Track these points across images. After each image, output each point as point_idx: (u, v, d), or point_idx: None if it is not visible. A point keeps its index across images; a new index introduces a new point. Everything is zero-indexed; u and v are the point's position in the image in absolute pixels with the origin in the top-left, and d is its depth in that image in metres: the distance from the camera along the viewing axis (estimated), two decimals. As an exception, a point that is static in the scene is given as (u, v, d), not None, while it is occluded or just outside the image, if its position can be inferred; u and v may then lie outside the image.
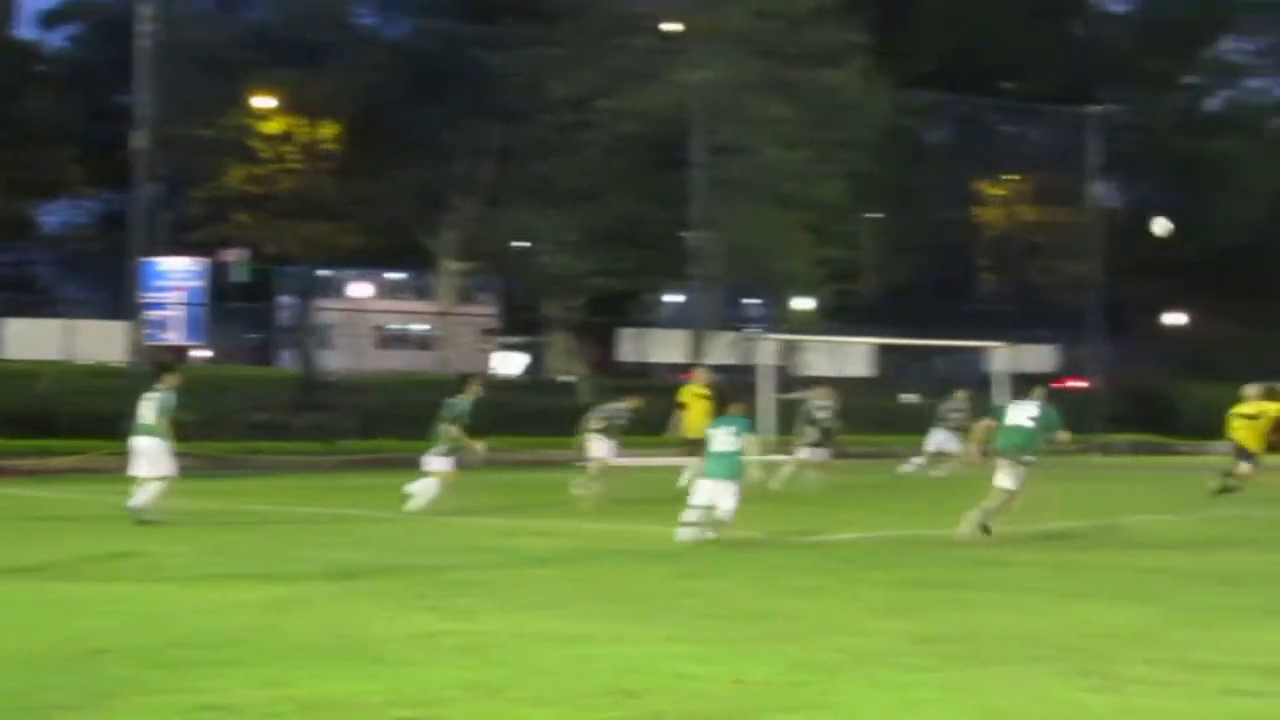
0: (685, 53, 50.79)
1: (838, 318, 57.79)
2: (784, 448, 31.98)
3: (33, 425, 39.15)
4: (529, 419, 43.77)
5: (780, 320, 61.38)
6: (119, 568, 16.57)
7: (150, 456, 21.68)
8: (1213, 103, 75.96)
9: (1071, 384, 58.70)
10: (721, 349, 52.54)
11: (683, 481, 26.87)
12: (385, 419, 42.97)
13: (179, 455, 22.25)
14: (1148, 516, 24.44)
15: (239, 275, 59.10)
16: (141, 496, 21.58)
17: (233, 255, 58.75)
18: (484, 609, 13.35)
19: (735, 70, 50.06)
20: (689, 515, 19.30)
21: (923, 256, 63.14)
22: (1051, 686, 9.96)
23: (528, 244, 56.98)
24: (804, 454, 31.53)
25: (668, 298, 67.36)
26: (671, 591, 14.86)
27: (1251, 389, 29.02)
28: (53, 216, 67.35)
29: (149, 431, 21.73)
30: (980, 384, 41.61)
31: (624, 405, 27.88)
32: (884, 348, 58.44)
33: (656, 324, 65.84)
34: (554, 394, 51.78)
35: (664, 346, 61.58)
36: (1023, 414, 20.42)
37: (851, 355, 57.39)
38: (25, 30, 64.81)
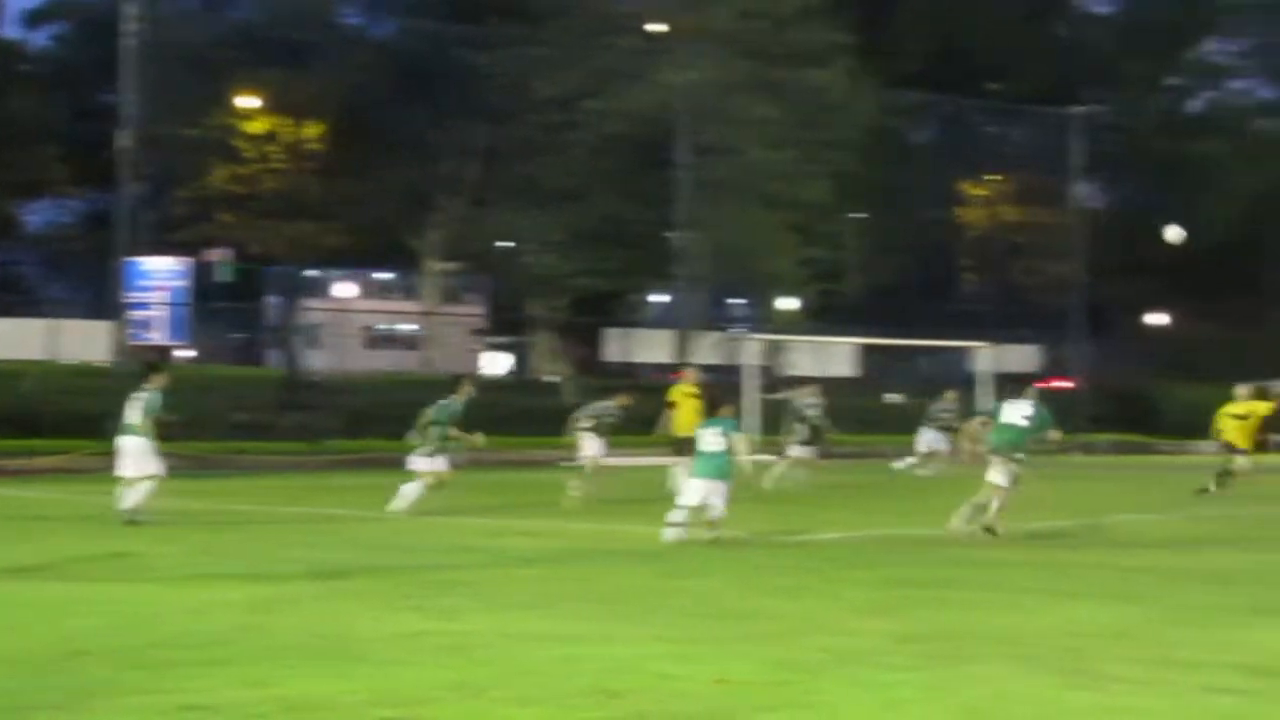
0: (670, 53, 50.84)
1: (822, 318, 57.87)
2: (770, 447, 32.01)
3: (17, 425, 39.08)
4: (514, 419, 43.74)
5: (765, 320, 61.45)
6: (103, 568, 16.56)
7: (135, 456, 21.65)
8: (1195, 104, 76.18)
9: (1057, 384, 58.80)
10: (706, 349, 52.58)
11: (670, 483, 26.92)
12: (370, 419, 42.94)
13: (164, 455, 22.21)
14: (1130, 516, 24.50)
15: (223, 275, 58.97)
16: (132, 497, 21.56)
17: (217, 255, 58.64)
18: (469, 609, 13.37)
19: (720, 70, 50.12)
20: (675, 515, 19.33)
21: (907, 256, 63.26)
22: (1034, 685, 9.99)
23: (513, 244, 56.98)
24: (795, 452, 31.63)
25: (653, 298, 67.38)
26: (655, 591, 14.89)
27: (1242, 389, 29.23)
28: (37, 216, 67.32)
29: (134, 431, 21.72)
30: (964, 384, 41.74)
31: (613, 403, 27.88)
32: (868, 348, 58.54)
33: (641, 324, 65.84)
34: (539, 394, 51.79)
35: (649, 346, 61.59)
36: (1017, 413, 20.56)
37: (836, 355, 57.46)
38: (9, 29, 64.66)
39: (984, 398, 39.85)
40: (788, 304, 62.01)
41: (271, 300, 65.89)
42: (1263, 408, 29.70)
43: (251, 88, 54.94)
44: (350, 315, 65.95)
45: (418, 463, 23.98)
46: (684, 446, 24.66)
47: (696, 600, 14.19)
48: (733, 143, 50.33)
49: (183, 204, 55.11)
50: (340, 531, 21.90)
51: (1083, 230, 62.46)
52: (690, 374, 29.15)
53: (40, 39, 65.27)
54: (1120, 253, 65.59)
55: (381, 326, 70.49)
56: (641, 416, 29.50)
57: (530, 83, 49.58)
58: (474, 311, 68.00)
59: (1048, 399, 21.53)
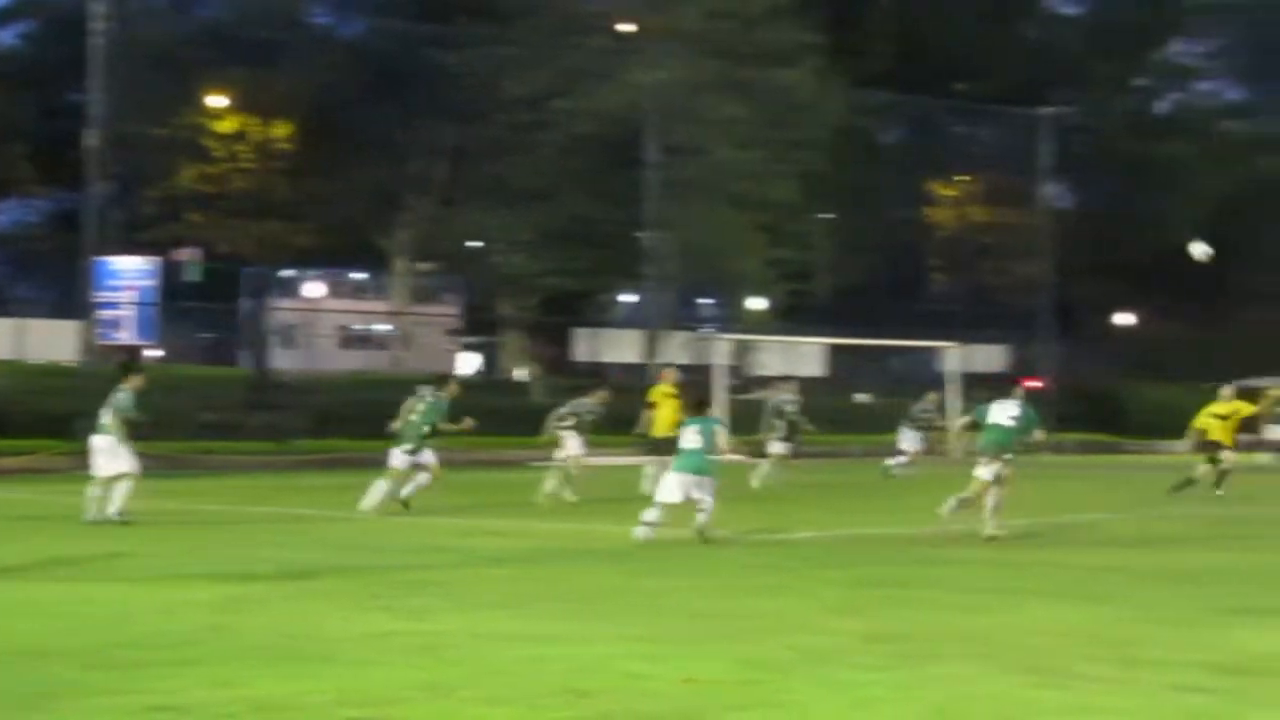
0: (639, 53, 50.87)
1: (791, 317, 57.92)
2: (742, 447, 32.04)
3: (-17, 425, 38.95)
4: (484, 418, 43.63)
5: (734, 320, 61.49)
6: (70, 568, 16.50)
7: (107, 454, 21.62)
8: (1163, 105, 76.38)
9: (1029, 384, 58.98)
10: (675, 349, 52.61)
11: (644, 484, 26.96)
12: (339, 418, 42.89)
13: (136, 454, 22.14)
14: (1098, 515, 24.58)
15: (192, 275, 58.86)
16: (116, 499, 21.49)
17: (185, 255, 58.54)
18: (438, 609, 13.36)
19: (689, 70, 50.15)
20: (649, 514, 19.30)
21: (876, 256, 63.34)
22: (1002, 684, 10.02)
23: (482, 244, 56.95)
24: (777, 449, 31.68)
25: (622, 297, 67.38)
26: (625, 591, 14.90)
27: (1226, 389, 29.42)
28: (3, 215, 66.95)
29: (106, 430, 21.69)
30: (934, 383, 41.83)
31: (592, 400, 27.76)
32: (837, 348, 58.64)
33: (611, 324, 65.86)
34: (508, 394, 51.77)
35: (618, 346, 61.61)
36: (1003, 413, 20.64)
37: (804, 355, 57.55)
38: (-24, 28, 64.38)
39: (953, 397, 40.03)
40: (757, 304, 62.06)
41: (244, 300, 65.79)
42: (1245, 408, 29.92)
43: (220, 87, 54.82)
44: (325, 316, 65.86)
45: (397, 459, 23.98)
46: (662, 447, 24.67)
47: (666, 600, 14.20)
48: (701, 142, 50.37)
49: (151, 203, 54.93)
50: (309, 531, 21.87)
51: (1051, 231, 62.64)
52: (669, 374, 29.12)
53: (7, 38, 64.98)
54: (1088, 253, 65.80)
55: (357, 327, 70.39)
56: (613, 416, 29.46)
57: (499, 82, 49.58)
58: (449, 311, 67.97)
59: (1034, 399, 21.64)
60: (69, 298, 48.41)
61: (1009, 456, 20.40)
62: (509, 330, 59.06)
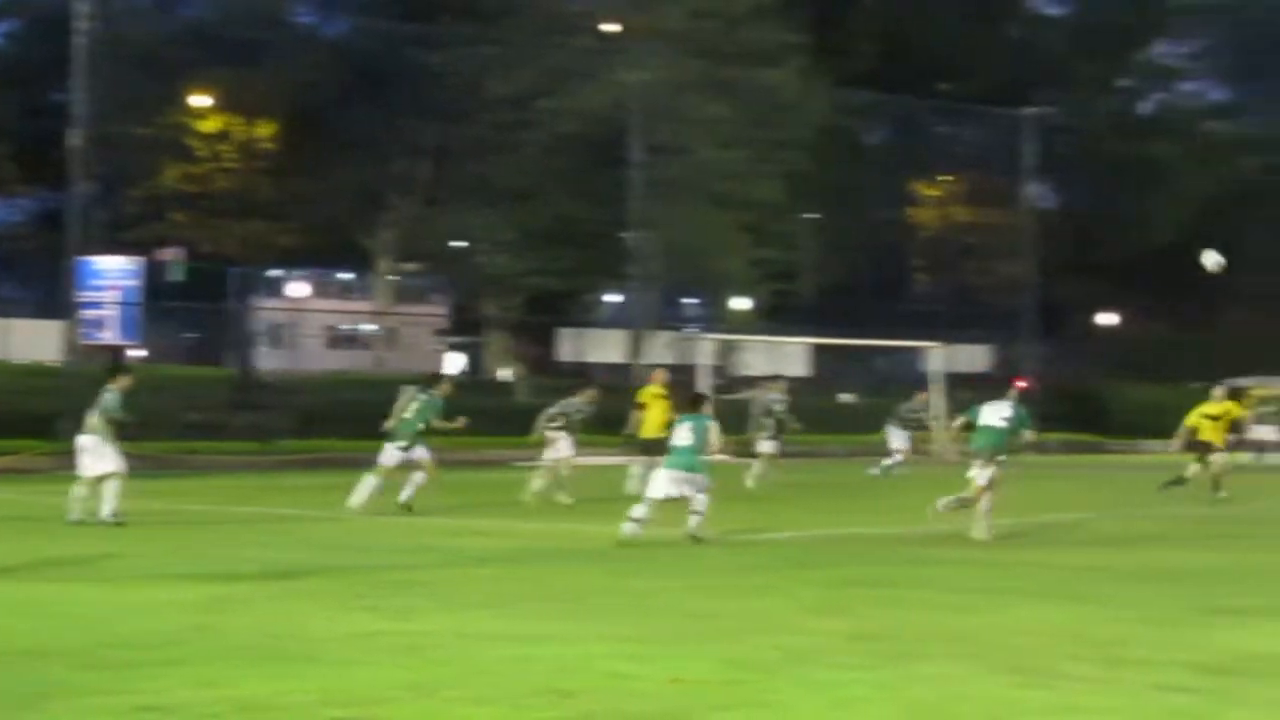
0: (623, 52, 50.85)
1: (775, 317, 57.93)
2: (729, 447, 32.05)
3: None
4: (468, 418, 43.69)
5: (718, 320, 61.50)
6: (55, 569, 16.49)
7: (93, 453, 21.60)
8: (1146, 105, 76.51)
9: (1019, 384, 59.07)
10: (659, 348, 52.62)
11: (629, 484, 26.98)
12: (323, 418, 42.88)
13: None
14: (1082, 515, 24.62)
15: (175, 274, 58.77)
16: (108, 502, 21.46)
17: (169, 254, 58.44)
18: (423, 609, 13.38)
19: (673, 70, 50.14)
20: (637, 511, 19.28)
21: (860, 256, 63.43)
22: (985, 684, 10.06)
23: (465, 244, 56.93)
24: (766, 448, 31.67)
25: (606, 297, 67.37)
26: (609, 591, 14.92)
27: (1218, 390, 29.46)
28: (-13, 215, 66.88)
29: (92, 430, 21.68)
30: (919, 383, 41.90)
31: (580, 399, 27.66)
32: (821, 348, 58.65)
33: (595, 323, 65.85)
34: (493, 394, 51.74)
35: (602, 346, 61.61)
36: (996, 414, 20.65)
37: (788, 355, 57.50)
38: (-41, 27, 64.24)
39: (938, 398, 40.09)
40: (741, 304, 62.08)
41: (232, 300, 65.73)
42: (1236, 409, 29.99)
43: (204, 86, 54.76)
44: (313, 316, 65.78)
45: (389, 455, 23.99)
46: (652, 448, 24.68)
47: (651, 600, 14.22)
48: (685, 142, 50.34)
49: (135, 203, 54.86)
50: (293, 531, 21.86)
51: (1034, 231, 62.71)
52: (659, 375, 29.11)
53: (-10, 37, 64.87)
54: (1072, 253, 65.94)
55: (344, 327, 70.31)
56: (599, 415, 29.44)
57: (483, 82, 49.54)
58: (436, 311, 67.93)
59: (1026, 400, 21.66)
60: (52, 297, 48.33)
61: (1002, 458, 20.42)
62: (493, 330, 59.02)
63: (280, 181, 55.33)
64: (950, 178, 72.85)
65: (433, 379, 25.77)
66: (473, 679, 10.08)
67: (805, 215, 59.11)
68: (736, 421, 32.51)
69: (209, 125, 56.08)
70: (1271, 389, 46.81)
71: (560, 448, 26.87)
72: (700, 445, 19.42)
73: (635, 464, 27.43)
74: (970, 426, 20.92)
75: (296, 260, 65.20)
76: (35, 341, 49.69)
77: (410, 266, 61.16)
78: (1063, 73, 69.87)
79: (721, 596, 14.53)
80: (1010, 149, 62.61)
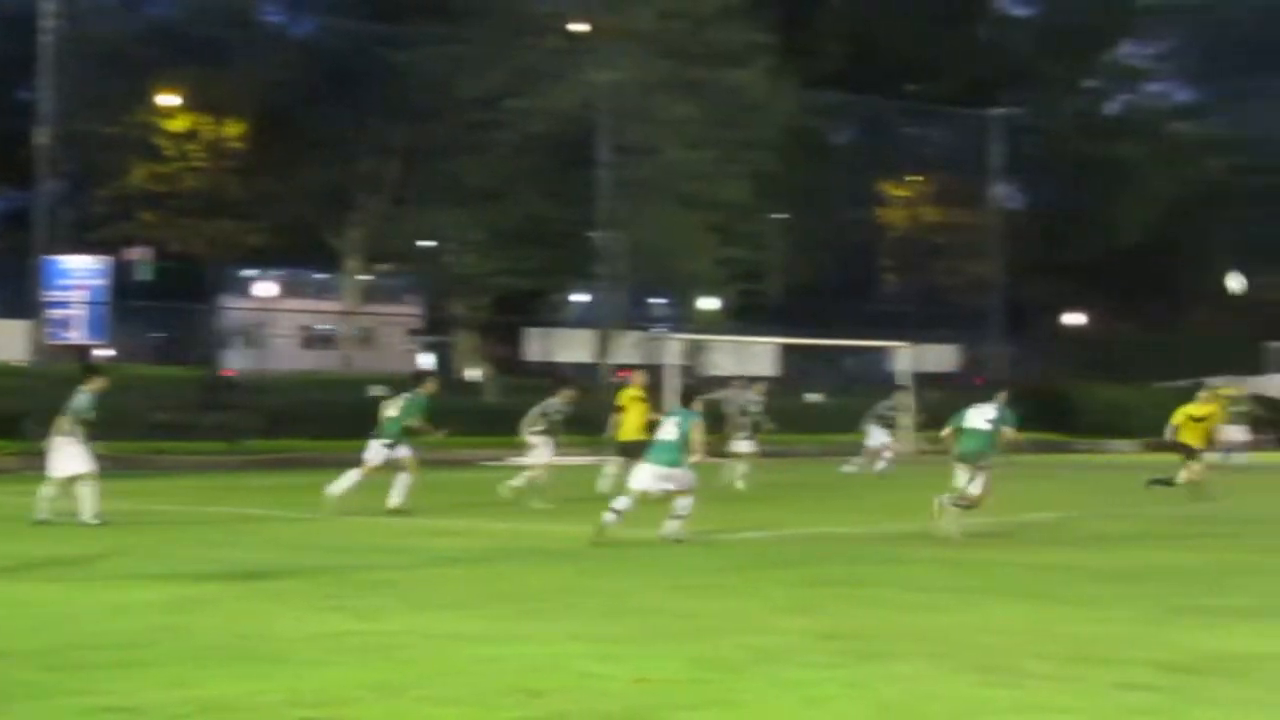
0: (592, 53, 50.87)
1: (743, 317, 57.99)
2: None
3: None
4: (436, 418, 43.66)
5: (686, 320, 61.53)
6: (21, 569, 16.43)
7: (63, 454, 21.55)
8: (1112, 106, 76.82)
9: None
10: (627, 348, 52.66)
11: (601, 483, 26.97)
12: (291, 419, 42.81)
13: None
14: (1050, 514, 24.70)
15: (143, 274, 58.61)
16: (87, 504, 21.41)
17: (137, 253, 58.28)
18: (391, 609, 13.38)
19: (641, 70, 50.18)
20: (619, 502, 19.27)
21: (827, 257, 63.53)
22: (952, 683, 10.09)
23: (434, 243, 56.88)
24: (745, 447, 31.72)
25: (574, 297, 67.38)
26: (577, 590, 14.93)
27: (1204, 392, 29.52)
28: (-47, 214, 66.57)
29: (62, 431, 21.63)
30: (892, 383, 41.97)
31: (558, 400, 27.48)
32: (788, 347, 58.72)
33: (563, 323, 65.84)
34: (460, 393, 51.67)
35: (570, 346, 61.58)
36: (980, 417, 20.63)
37: (756, 355, 57.57)
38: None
39: (905, 397, 40.17)
40: (709, 304, 62.14)
41: (210, 299, 65.56)
42: (1220, 413, 30.05)
43: (171, 85, 54.65)
44: (287, 316, 65.62)
45: (374, 452, 23.97)
46: (630, 450, 24.64)
47: (618, 599, 14.23)
48: (653, 142, 50.38)
49: (102, 202, 54.74)
50: (261, 531, 21.84)
51: (1001, 231, 62.98)
52: (638, 378, 29.09)
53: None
54: (1039, 253, 66.18)
55: (320, 327, 70.15)
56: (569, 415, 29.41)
57: (452, 82, 49.49)
58: (410, 312, 67.85)
59: (1014, 402, 21.65)
60: (19, 297, 48.16)
61: (986, 462, 20.40)
62: (461, 330, 58.97)
63: (248, 181, 55.26)
64: (918, 178, 73.06)
65: (417, 378, 25.81)
66: (441, 679, 10.09)
67: (773, 215, 59.18)
68: (710, 421, 32.57)
69: (177, 124, 55.98)
70: (1239, 389, 47.02)
71: (541, 453, 26.71)
72: (684, 441, 19.38)
73: (610, 464, 27.43)
74: (959, 432, 20.85)
75: (265, 260, 65.08)
76: (1, 341, 49.46)
77: (384, 267, 61.09)
78: (1029, 74, 70.15)
79: (693, 596, 14.55)
80: (977, 149, 62.87)
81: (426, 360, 66.44)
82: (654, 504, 19.57)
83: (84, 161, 51.57)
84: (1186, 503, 26.88)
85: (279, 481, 32.18)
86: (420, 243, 57.37)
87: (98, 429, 22.03)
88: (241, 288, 66.35)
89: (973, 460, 20.37)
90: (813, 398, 54.64)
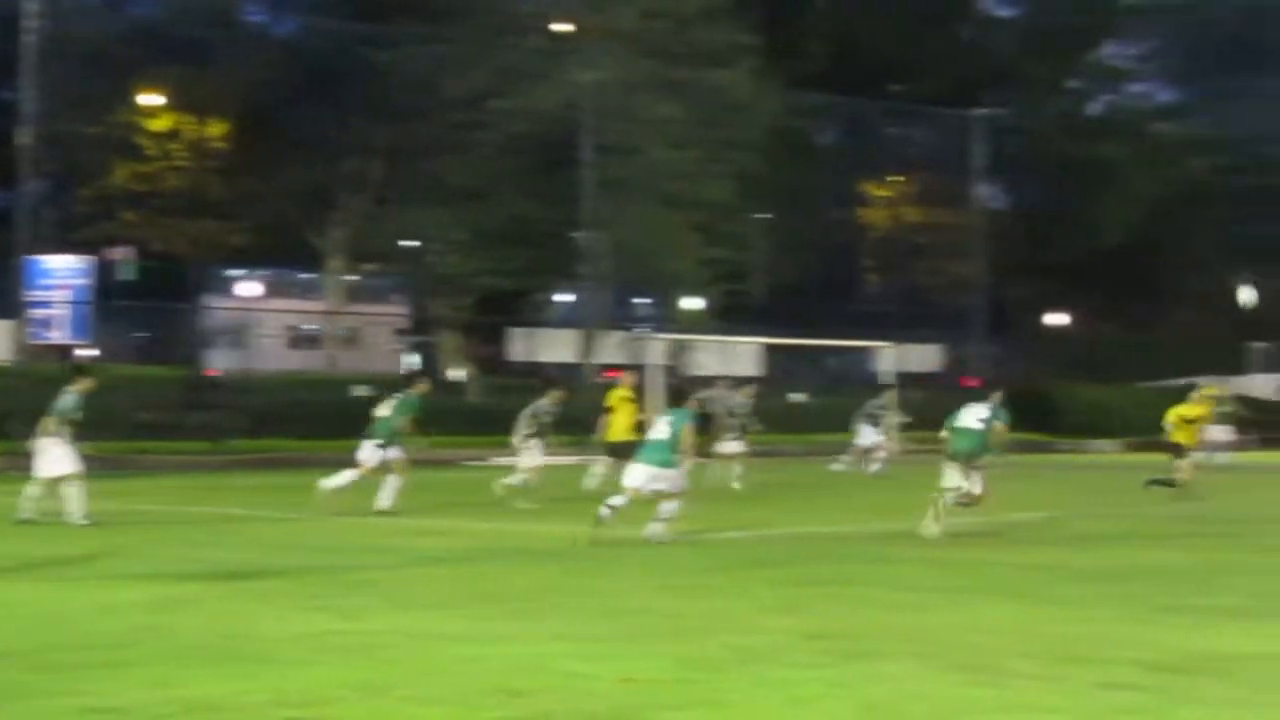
0: (575, 53, 50.86)
1: (726, 317, 58.00)
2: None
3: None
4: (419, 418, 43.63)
5: (669, 320, 61.53)
6: (4, 570, 16.38)
7: (49, 456, 21.53)
8: (1095, 107, 76.97)
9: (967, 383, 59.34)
10: (611, 348, 52.65)
11: (588, 482, 26.95)
12: (275, 418, 42.78)
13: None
14: (1033, 514, 24.72)
15: (126, 273, 58.50)
16: (76, 505, 21.37)
17: (119, 253, 58.16)
18: (375, 609, 13.37)
19: (624, 70, 50.17)
20: (616, 499, 19.26)
21: (811, 257, 63.54)
22: (936, 682, 10.10)
23: (417, 243, 56.83)
24: (735, 448, 31.73)
25: (557, 297, 67.35)
26: (561, 590, 14.93)
27: (1196, 393, 29.58)
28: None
29: (48, 432, 21.60)
30: (867, 382, 42.00)
31: (547, 401, 27.40)
32: (772, 347, 58.73)
33: (546, 323, 65.81)
34: (444, 393, 51.60)
35: (554, 346, 61.56)
36: (973, 416, 20.61)
37: (740, 354, 57.60)
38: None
39: (888, 396, 40.16)
40: (692, 303, 62.14)
41: (194, 299, 65.47)
42: (1209, 413, 30.13)
43: (154, 85, 54.56)
44: (273, 315, 65.53)
45: (368, 452, 23.95)
46: (619, 451, 24.61)
47: (604, 599, 14.23)
48: (636, 142, 50.36)
49: (85, 202, 54.65)
50: (245, 532, 21.81)
51: (984, 231, 63.04)
52: (627, 379, 29.07)
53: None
54: (1022, 253, 66.27)
55: (307, 327, 70.03)
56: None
57: (435, 82, 49.44)
58: (397, 311, 67.79)
59: (1009, 403, 21.66)
60: (1, 296, 48.08)
61: (980, 462, 20.39)
62: (444, 330, 58.91)
63: (231, 180, 55.19)
64: (901, 178, 73.12)
65: (409, 378, 25.82)
66: (424, 679, 10.08)
67: (757, 215, 59.19)
68: (697, 422, 32.57)
69: (159, 124, 55.88)
70: (1223, 389, 47.12)
71: (532, 455, 26.61)
72: (676, 441, 19.37)
73: (599, 464, 27.44)
74: (952, 431, 20.82)
75: (248, 260, 64.97)
76: (-16, 341, 49.37)
77: (370, 267, 61.03)
78: (1012, 74, 70.26)
79: (679, 596, 14.54)
80: (960, 150, 62.94)
81: (412, 360, 66.46)
82: (643, 504, 19.55)
83: (67, 161, 51.45)
84: (1170, 502, 26.92)
85: (263, 481, 32.16)
86: (404, 243, 57.32)
87: (84, 429, 22.01)
88: (225, 287, 66.23)
89: (964, 459, 20.34)
90: (796, 397, 54.67)
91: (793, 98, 58.05)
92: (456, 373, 56.26)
